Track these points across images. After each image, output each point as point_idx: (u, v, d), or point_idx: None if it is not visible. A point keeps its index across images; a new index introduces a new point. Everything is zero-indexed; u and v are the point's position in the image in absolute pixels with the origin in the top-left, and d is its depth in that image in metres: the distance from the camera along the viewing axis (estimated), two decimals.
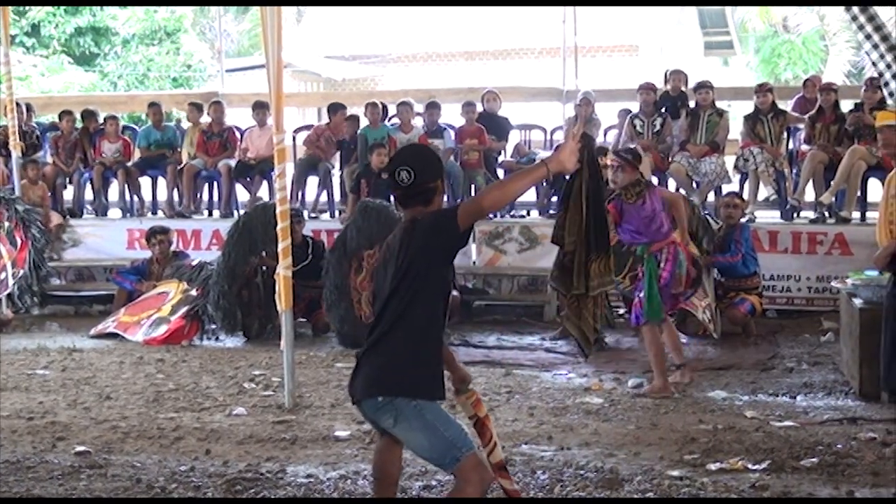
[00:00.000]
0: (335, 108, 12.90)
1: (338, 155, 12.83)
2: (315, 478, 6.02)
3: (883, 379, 7.20)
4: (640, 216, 8.05)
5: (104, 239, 12.81)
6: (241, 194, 13.05)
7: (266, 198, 12.23)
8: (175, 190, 13.15)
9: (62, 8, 23.47)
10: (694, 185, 11.90)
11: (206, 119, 13.38)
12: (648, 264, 8.01)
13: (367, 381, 4.50)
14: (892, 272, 7.11)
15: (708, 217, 10.63)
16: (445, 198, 12.50)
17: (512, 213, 12.56)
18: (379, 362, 4.47)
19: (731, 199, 10.56)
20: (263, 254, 10.42)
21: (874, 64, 10.59)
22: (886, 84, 10.42)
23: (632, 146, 11.80)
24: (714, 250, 10.29)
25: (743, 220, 10.64)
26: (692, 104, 12.31)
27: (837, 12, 24.65)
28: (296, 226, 10.19)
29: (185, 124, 14.18)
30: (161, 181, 13.40)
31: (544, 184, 12.39)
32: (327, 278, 10.17)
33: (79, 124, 13.58)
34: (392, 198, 4.61)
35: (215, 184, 13.10)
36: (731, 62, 31.61)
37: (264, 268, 10.48)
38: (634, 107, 12.39)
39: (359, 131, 12.34)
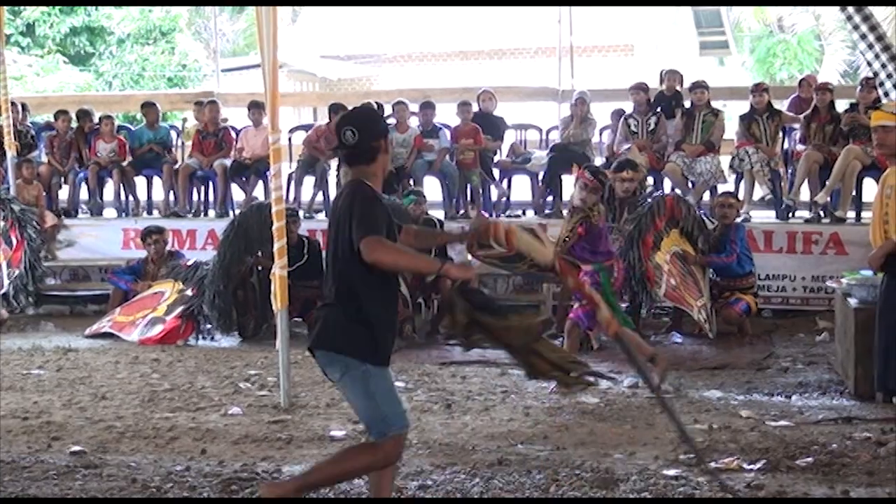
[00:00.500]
0: (336, 109, 12.87)
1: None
2: None
3: (877, 379, 7.21)
4: (601, 235, 8.39)
5: (99, 239, 12.79)
6: (237, 194, 13.04)
7: (261, 198, 12.22)
8: (171, 190, 13.12)
9: (57, 8, 23.45)
10: (689, 184, 11.91)
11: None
12: (604, 281, 8.23)
13: (322, 333, 4.77)
14: (886, 272, 7.11)
15: (704, 217, 10.63)
16: (442, 198, 12.58)
17: (507, 213, 12.56)
18: (332, 318, 4.74)
19: (725, 199, 10.57)
20: (259, 254, 10.42)
21: (869, 64, 10.60)
22: (882, 84, 10.43)
23: (628, 149, 11.85)
24: (709, 250, 10.30)
25: (738, 219, 10.65)
26: (687, 104, 12.31)
27: (833, 12, 24.69)
28: (291, 225, 10.20)
29: (189, 123, 14.17)
30: (156, 181, 13.37)
31: (540, 184, 12.41)
32: None
33: (74, 124, 13.56)
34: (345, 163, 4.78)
35: (211, 184, 13.08)
36: (726, 62, 31.64)
37: (259, 267, 10.48)
38: (629, 106, 12.40)
39: None
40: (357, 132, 4.76)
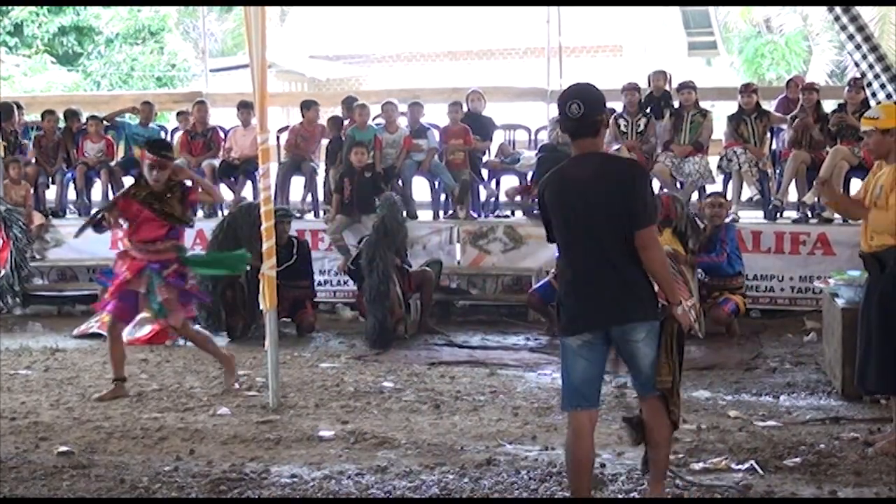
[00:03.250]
0: (308, 105, 12.96)
1: (321, 152, 12.81)
2: (299, 478, 6.02)
3: (857, 380, 7.20)
4: None
5: (87, 239, 12.58)
6: (226, 194, 13.00)
7: (250, 198, 12.20)
8: None
9: (45, 7, 23.40)
10: (678, 185, 11.93)
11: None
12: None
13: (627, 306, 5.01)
14: (869, 273, 7.10)
15: (696, 217, 10.63)
16: (429, 198, 12.57)
17: (496, 214, 12.56)
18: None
19: (716, 200, 10.58)
20: (248, 254, 10.39)
21: (857, 64, 10.62)
22: (869, 84, 10.46)
23: (617, 149, 11.86)
24: (699, 250, 10.31)
25: (727, 220, 10.67)
26: (676, 104, 12.33)
27: (820, 13, 24.74)
28: (284, 226, 10.20)
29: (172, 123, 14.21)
30: None
31: (529, 184, 12.41)
32: (373, 268, 10.11)
33: (62, 124, 13.53)
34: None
35: None
36: (714, 62, 31.69)
37: (249, 268, 10.46)
38: (618, 107, 12.39)
39: (347, 132, 12.31)
40: (582, 105, 4.94)
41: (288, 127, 13.61)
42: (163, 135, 13.72)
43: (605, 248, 4.96)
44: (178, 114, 13.67)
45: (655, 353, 5.05)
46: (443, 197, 12.50)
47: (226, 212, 11.76)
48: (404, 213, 11.61)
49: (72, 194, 13.31)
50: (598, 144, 5.09)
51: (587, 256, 5.01)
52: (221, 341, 10.45)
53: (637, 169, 5.23)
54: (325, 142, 12.89)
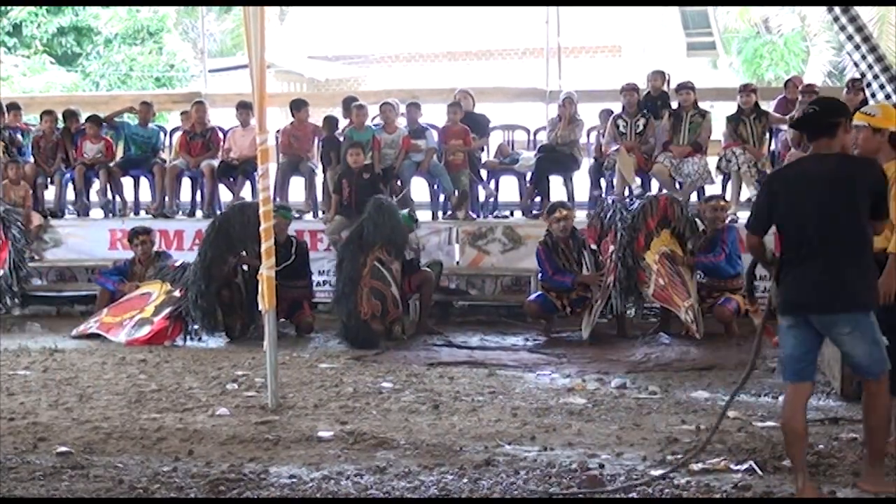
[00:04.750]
0: (297, 105, 12.97)
1: (318, 153, 12.81)
2: (298, 478, 6.01)
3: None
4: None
5: (86, 239, 12.76)
6: (225, 195, 13.01)
7: (249, 198, 12.18)
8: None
9: (44, 7, 23.39)
10: (677, 185, 11.92)
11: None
12: None
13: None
14: None
15: (696, 219, 10.61)
16: (429, 198, 12.53)
17: (496, 214, 12.56)
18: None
19: (716, 203, 10.56)
20: (243, 253, 10.40)
21: (856, 64, 10.65)
22: (868, 85, 10.47)
23: (616, 150, 11.85)
24: (698, 251, 10.31)
25: (727, 220, 10.65)
26: (674, 105, 12.32)
27: (818, 13, 24.75)
28: (281, 219, 10.19)
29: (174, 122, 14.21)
30: (143, 181, 13.35)
31: (528, 185, 12.42)
32: (341, 270, 10.19)
33: (60, 124, 13.53)
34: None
35: (198, 184, 13.05)
36: (719, 65, 31.70)
37: (245, 267, 10.46)
38: (617, 107, 12.40)
39: (346, 132, 12.30)
40: (817, 108, 5.51)
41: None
42: (161, 135, 13.73)
43: (830, 242, 5.38)
44: (183, 113, 13.67)
45: (869, 343, 5.43)
46: (441, 197, 12.50)
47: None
48: (413, 216, 11.58)
49: (70, 195, 13.31)
50: (835, 146, 5.46)
51: (811, 247, 5.42)
52: (220, 341, 10.47)
53: (876, 166, 5.61)
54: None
